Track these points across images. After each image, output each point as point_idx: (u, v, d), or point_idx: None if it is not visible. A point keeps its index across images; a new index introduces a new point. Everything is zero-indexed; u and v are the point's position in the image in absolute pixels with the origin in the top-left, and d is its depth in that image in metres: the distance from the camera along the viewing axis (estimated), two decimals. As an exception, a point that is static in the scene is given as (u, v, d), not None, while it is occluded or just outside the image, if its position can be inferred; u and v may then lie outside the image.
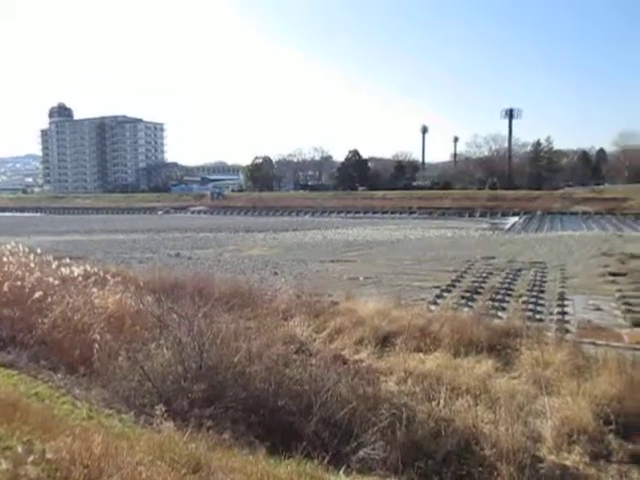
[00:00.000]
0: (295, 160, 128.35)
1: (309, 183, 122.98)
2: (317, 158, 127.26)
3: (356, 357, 10.16)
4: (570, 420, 7.03)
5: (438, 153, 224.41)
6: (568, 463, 6.44)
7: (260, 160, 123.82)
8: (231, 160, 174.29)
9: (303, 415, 6.51)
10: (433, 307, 14.81)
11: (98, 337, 8.51)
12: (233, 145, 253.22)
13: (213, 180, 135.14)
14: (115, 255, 27.44)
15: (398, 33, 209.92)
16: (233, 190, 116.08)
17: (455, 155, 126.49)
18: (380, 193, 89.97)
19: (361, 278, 20.59)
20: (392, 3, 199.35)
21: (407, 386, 8.31)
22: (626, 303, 15.82)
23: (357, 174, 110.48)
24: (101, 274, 12.25)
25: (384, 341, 10.98)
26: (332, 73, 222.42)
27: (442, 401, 7.42)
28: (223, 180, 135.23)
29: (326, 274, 21.97)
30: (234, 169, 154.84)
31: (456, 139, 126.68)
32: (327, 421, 6.47)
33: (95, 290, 11.04)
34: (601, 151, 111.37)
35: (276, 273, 21.94)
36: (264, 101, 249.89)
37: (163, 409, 6.05)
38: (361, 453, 5.82)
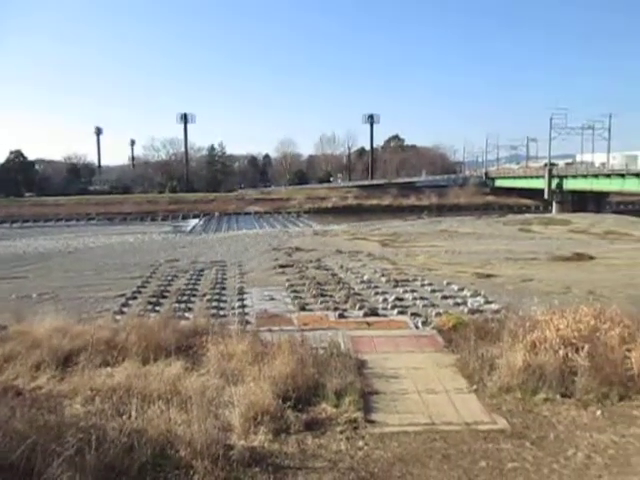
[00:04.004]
0: None
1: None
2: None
3: (33, 384, 9.08)
4: (254, 404, 7.70)
5: (115, 156, 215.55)
6: (255, 444, 7.04)
7: None
8: None
9: (-33, 466, 5.53)
10: (119, 317, 14.30)
11: None
12: None
13: None
14: None
15: (59, 28, 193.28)
16: None
17: (133, 158, 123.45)
18: (52, 199, 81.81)
19: (34, 295, 18.48)
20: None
21: (95, 405, 7.83)
22: (294, 291, 18.13)
23: (22, 178, 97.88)
24: None
25: (66, 361, 10.10)
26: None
27: (134, 413, 7.24)
28: None
29: (-13, 295, 18.98)
30: None
31: (133, 142, 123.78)
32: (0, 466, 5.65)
33: None
34: (267, 156, 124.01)
35: None
36: None
37: None
38: (45, 490, 5.27)
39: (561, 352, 9.07)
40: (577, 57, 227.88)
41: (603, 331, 9.36)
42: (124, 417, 7.16)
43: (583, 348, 8.95)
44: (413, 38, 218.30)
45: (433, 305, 15.80)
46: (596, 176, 57.29)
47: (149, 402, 7.80)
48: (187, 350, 10.61)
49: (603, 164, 62.02)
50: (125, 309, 15.87)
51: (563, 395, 8.59)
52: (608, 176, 54.61)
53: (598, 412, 8.13)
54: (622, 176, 51.47)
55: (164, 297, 17.69)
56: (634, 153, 58.06)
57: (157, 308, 15.87)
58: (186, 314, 14.69)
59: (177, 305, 16.08)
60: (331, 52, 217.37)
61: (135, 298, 17.63)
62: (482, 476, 6.40)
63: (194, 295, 18.00)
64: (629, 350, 8.84)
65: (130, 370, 9.30)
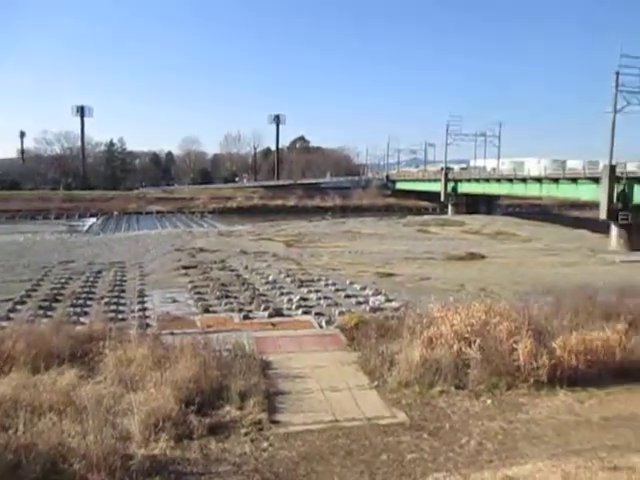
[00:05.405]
0: None
1: None
2: None
3: None
4: (155, 410, 7.46)
5: (1, 149, 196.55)
6: (156, 452, 6.83)
7: None
8: None
9: None
10: (5, 323, 13.26)
11: None
12: None
13: None
14: None
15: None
16: None
17: (23, 152, 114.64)
18: None
19: None
20: None
21: (-24, 420, 7.21)
22: (197, 292, 17.75)
23: None
24: None
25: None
26: None
27: (21, 426, 6.74)
28: None
29: None
30: None
31: (23, 134, 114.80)
32: None
33: None
34: (169, 154, 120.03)
35: None
36: None
37: None
38: None
39: (455, 346, 9.61)
40: (479, 61, 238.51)
41: (493, 325, 10.01)
42: (10, 432, 6.65)
43: (475, 342, 9.54)
44: (316, 42, 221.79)
45: (337, 304, 16.11)
46: (487, 180, 61.02)
47: (39, 414, 7.33)
48: (82, 357, 10.07)
49: (494, 169, 66.03)
50: (12, 315, 14.74)
51: (457, 387, 9.12)
52: (498, 180, 58.28)
53: (489, 401, 8.71)
54: (510, 181, 55.16)
55: (57, 301, 16.65)
56: (521, 159, 62.43)
57: (49, 313, 14.89)
58: (82, 319, 13.90)
59: (72, 309, 15.19)
60: (237, 53, 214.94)
61: (24, 302, 16.43)
62: (383, 469, 6.63)
63: (91, 298, 17.08)
64: (516, 342, 9.53)
65: (18, 380, 8.66)
